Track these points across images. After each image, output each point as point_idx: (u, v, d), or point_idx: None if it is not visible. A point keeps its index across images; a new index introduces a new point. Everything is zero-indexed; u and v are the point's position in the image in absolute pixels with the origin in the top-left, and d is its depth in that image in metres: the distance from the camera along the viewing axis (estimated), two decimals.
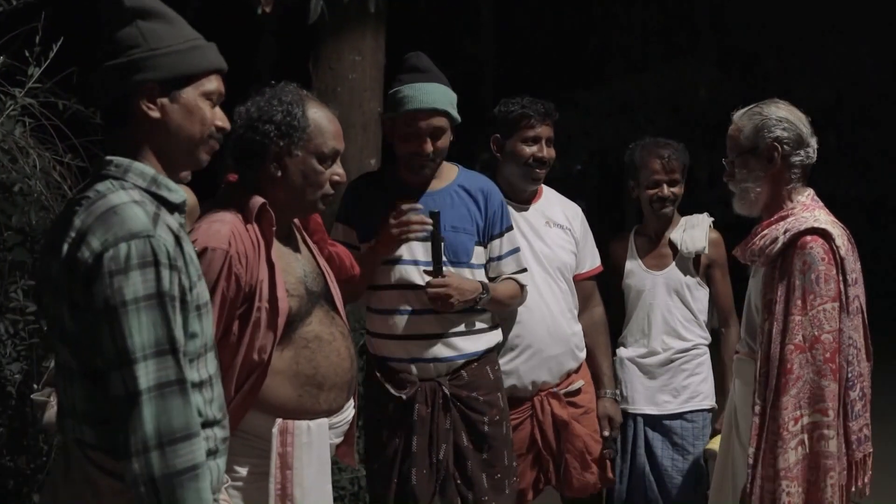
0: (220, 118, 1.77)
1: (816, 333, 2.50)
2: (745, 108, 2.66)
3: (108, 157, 1.69)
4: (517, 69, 10.03)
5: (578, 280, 3.26)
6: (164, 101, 1.69)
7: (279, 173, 2.20)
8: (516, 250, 2.96)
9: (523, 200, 3.21)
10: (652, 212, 3.36)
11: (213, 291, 2.06)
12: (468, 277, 2.83)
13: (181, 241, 1.65)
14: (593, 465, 3.18)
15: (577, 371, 3.22)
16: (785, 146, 2.59)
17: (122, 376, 1.57)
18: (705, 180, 10.21)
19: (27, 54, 3.62)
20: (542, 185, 3.29)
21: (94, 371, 1.60)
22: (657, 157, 3.31)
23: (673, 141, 3.39)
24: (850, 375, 2.56)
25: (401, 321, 2.80)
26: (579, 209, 3.32)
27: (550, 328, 3.11)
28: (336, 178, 2.26)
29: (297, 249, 2.30)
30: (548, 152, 3.16)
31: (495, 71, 10.04)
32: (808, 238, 2.53)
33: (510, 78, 9.74)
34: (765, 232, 2.61)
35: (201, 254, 2.07)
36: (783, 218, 2.61)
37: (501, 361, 3.06)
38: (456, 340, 2.82)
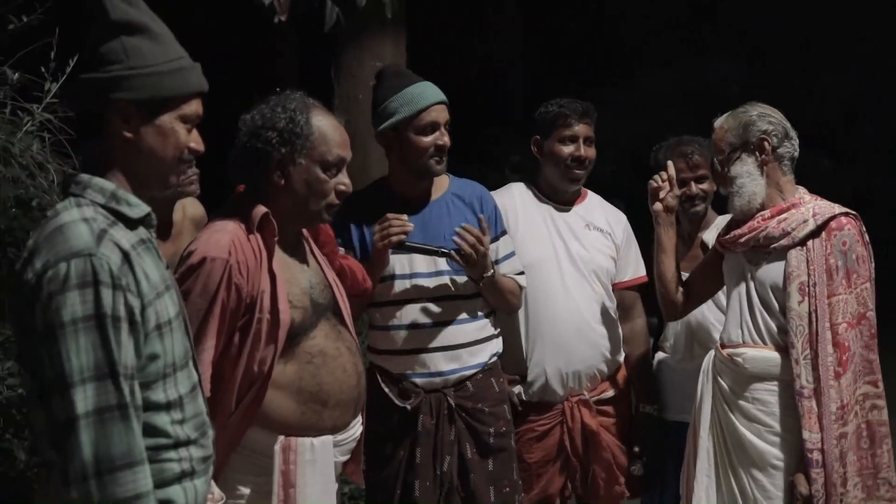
0: (194, 141, 1.72)
1: (862, 311, 2.60)
2: (726, 113, 2.76)
3: (73, 174, 1.66)
4: (545, 69, 9.94)
5: (619, 289, 3.19)
6: (140, 121, 1.65)
7: (282, 182, 2.16)
8: (512, 254, 2.93)
9: (565, 202, 3.18)
10: (683, 212, 3.27)
11: (212, 301, 2.03)
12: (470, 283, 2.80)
13: (131, 259, 1.59)
14: (621, 476, 3.11)
15: (611, 378, 3.16)
16: (773, 138, 2.68)
17: (60, 401, 1.52)
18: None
19: (43, 70, 3.63)
20: (586, 189, 3.25)
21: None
22: (681, 155, 3.22)
23: (698, 137, 3.29)
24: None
25: (403, 336, 2.78)
26: (623, 216, 3.26)
27: (580, 330, 3.05)
28: (341, 187, 2.20)
29: (303, 260, 2.25)
30: (586, 152, 3.11)
31: (523, 72, 9.95)
32: (844, 219, 2.62)
33: (539, 79, 9.66)
34: (783, 216, 2.65)
35: (200, 264, 2.04)
36: (796, 205, 2.67)
37: (533, 364, 3.01)
38: (459, 353, 2.79)
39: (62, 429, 1.52)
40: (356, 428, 2.29)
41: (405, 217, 2.69)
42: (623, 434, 3.14)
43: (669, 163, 3.01)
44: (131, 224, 1.65)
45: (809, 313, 2.57)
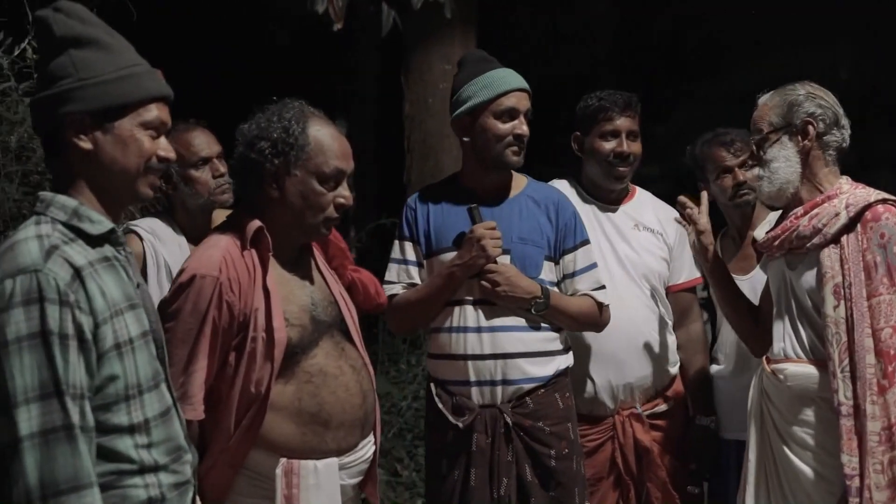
0: (163, 148, 1.68)
1: None
2: (774, 90, 2.49)
3: (39, 193, 1.65)
4: (635, 65, 9.61)
5: (674, 291, 2.99)
6: (97, 132, 1.62)
7: (277, 194, 2.08)
8: (593, 266, 2.71)
9: (611, 201, 3.00)
10: (732, 206, 3.02)
11: (203, 321, 1.98)
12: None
13: (83, 275, 1.55)
14: (677, 495, 2.90)
15: (666, 389, 2.95)
16: (820, 122, 2.41)
17: (5, 421, 1.48)
18: (855, 165, 9.44)
19: None
20: (636, 186, 3.07)
21: None
22: (721, 144, 3.00)
23: (733, 129, 3.04)
24: None
25: (460, 340, 2.62)
26: (676, 214, 3.03)
27: (632, 338, 2.85)
28: (341, 200, 2.10)
29: (306, 276, 2.17)
30: (630, 146, 2.92)
31: (614, 68, 9.63)
32: (881, 208, 2.34)
33: (629, 74, 9.35)
34: (815, 212, 2.39)
35: (190, 282, 1.99)
36: (831, 197, 2.40)
37: (578, 372, 2.82)
38: (521, 363, 2.60)
39: (7, 451, 1.49)
40: (366, 448, 2.19)
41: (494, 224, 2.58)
42: (679, 450, 2.93)
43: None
44: (94, 241, 1.62)
45: (846, 318, 2.30)
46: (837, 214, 2.37)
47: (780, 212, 2.97)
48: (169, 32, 6.85)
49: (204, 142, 2.79)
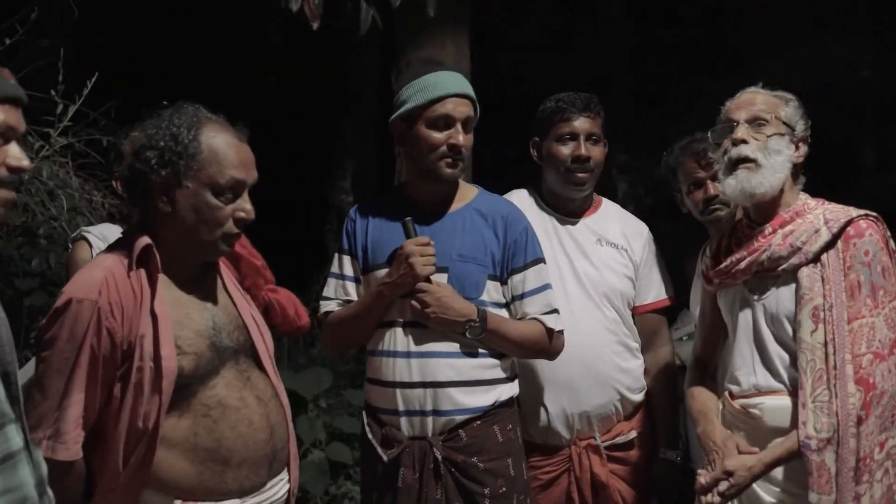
0: (12, 157, 1.49)
1: (893, 336, 2.12)
2: (762, 87, 2.30)
3: None
4: (654, 61, 9.33)
5: (640, 313, 2.74)
6: None
7: (169, 208, 1.88)
8: (545, 287, 2.46)
9: (571, 212, 2.75)
10: (706, 221, 2.78)
11: (80, 349, 1.79)
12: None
13: None
14: None
15: (628, 418, 2.71)
16: (809, 140, 2.28)
17: None
18: (872, 166, 9.13)
19: (52, 92, 3.57)
20: (601, 198, 2.82)
21: None
22: (692, 154, 2.72)
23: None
24: None
25: (389, 365, 2.40)
26: (645, 229, 2.79)
27: (588, 362, 2.61)
28: (241, 214, 1.90)
29: (208, 297, 1.97)
30: (589, 150, 2.67)
31: (627, 70, 9.35)
32: (864, 223, 2.15)
33: (643, 75, 9.08)
34: (788, 229, 2.19)
35: (66, 307, 1.80)
36: (799, 213, 2.21)
37: (529, 399, 2.60)
38: (452, 392, 2.37)
39: None
40: (277, 488, 1.99)
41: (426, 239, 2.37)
42: (643, 484, 2.69)
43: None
44: None
45: (825, 343, 2.09)
46: (817, 231, 2.18)
47: None
48: (165, 35, 6.75)
49: None
